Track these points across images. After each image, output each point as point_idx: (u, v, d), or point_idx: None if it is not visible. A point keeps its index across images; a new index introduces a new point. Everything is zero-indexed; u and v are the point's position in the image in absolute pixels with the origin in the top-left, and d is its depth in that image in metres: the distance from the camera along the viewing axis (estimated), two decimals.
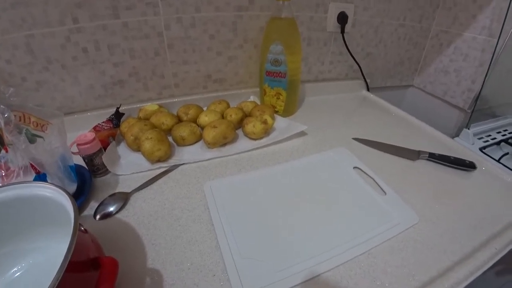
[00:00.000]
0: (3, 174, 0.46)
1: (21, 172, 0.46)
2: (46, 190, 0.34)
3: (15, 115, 0.41)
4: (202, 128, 0.65)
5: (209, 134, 0.59)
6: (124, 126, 0.62)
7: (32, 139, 0.43)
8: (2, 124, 0.38)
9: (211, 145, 0.61)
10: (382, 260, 0.40)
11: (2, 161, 0.47)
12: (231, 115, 0.67)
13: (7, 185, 0.35)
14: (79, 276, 0.28)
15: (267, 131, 0.66)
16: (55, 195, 0.34)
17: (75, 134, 0.53)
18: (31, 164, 0.46)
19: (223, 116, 0.68)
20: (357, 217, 0.46)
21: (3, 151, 0.47)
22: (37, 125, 0.44)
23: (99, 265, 0.30)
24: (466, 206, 0.50)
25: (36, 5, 0.55)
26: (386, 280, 0.37)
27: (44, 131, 0.45)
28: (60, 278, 0.24)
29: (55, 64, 0.62)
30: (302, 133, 0.68)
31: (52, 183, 0.35)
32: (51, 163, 0.41)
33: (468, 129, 0.83)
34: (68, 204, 0.32)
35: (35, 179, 0.47)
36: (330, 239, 0.42)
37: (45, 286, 0.23)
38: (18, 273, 0.37)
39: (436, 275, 0.38)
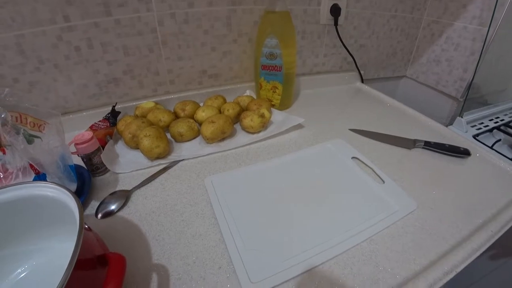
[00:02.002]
0: (1, 176, 0.46)
1: (20, 174, 0.46)
2: (48, 189, 0.34)
3: (11, 116, 0.40)
4: (200, 123, 0.65)
5: (207, 130, 0.59)
6: (121, 125, 0.62)
7: (29, 139, 0.43)
8: None
9: (209, 140, 0.61)
10: (383, 246, 0.41)
11: (0, 163, 0.46)
12: (228, 110, 0.67)
13: (9, 186, 0.34)
14: (87, 273, 0.28)
15: (264, 125, 0.66)
16: (58, 194, 0.34)
17: (71, 134, 0.52)
18: (30, 164, 0.45)
19: (220, 111, 0.68)
20: (358, 206, 0.47)
21: (0, 152, 0.46)
22: (34, 125, 0.44)
23: (107, 262, 0.30)
24: (462, 191, 0.51)
25: (26, 4, 0.54)
26: (388, 265, 0.38)
27: (41, 131, 0.44)
28: (69, 276, 0.24)
29: (47, 64, 0.61)
30: (299, 126, 0.69)
31: (53, 182, 0.34)
32: (51, 163, 0.41)
33: (461, 117, 0.84)
34: (71, 202, 0.32)
35: (35, 180, 0.46)
36: (332, 228, 0.43)
37: (52, 286, 0.23)
38: (22, 275, 0.37)
39: (436, 258, 0.39)
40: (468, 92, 0.89)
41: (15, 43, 0.56)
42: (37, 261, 0.38)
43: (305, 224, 0.44)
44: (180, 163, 0.57)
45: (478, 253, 0.40)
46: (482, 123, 0.88)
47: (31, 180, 0.47)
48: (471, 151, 0.60)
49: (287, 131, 0.66)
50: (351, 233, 0.42)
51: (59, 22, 0.58)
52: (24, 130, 0.42)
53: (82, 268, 0.27)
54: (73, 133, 0.53)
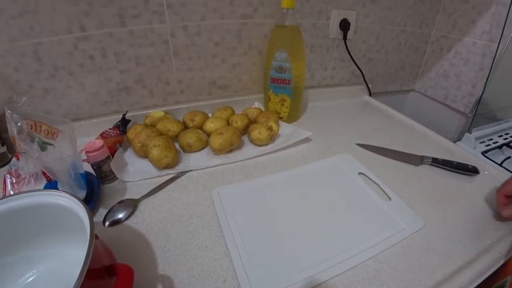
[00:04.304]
0: (14, 181, 0.47)
1: (32, 179, 0.47)
2: (60, 198, 0.35)
3: (27, 124, 0.41)
4: (208, 134, 0.66)
5: (215, 141, 0.60)
6: (131, 133, 0.63)
7: (43, 147, 0.44)
8: (15, 133, 0.39)
9: (217, 151, 0.61)
10: (388, 265, 0.40)
11: (13, 168, 0.47)
12: (236, 122, 0.68)
13: (21, 193, 0.35)
14: (95, 283, 0.29)
15: (272, 138, 0.66)
16: (70, 203, 0.34)
17: (82, 140, 0.53)
18: (43, 171, 0.46)
19: (228, 123, 0.69)
20: (363, 223, 0.47)
21: (14, 158, 0.47)
22: (48, 133, 0.45)
23: (115, 273, 0.30)
24: (470, 210, 0.51)
25: (44, 13, 0.56)
26: (393, 285, 0.38)
27: (54, 139, 0.45)
28: (80, 285, 0.24)
29: (62, 72, 0.63)
30: (306, 139, 0.69)
31: (66, 192, 0.35)
32: (63, 171, 0.42)
33: (470, 133, 0.84)
34: (82, 212, 0.33)
35: (46, 187, 0.47)
36: (338, 244, 0.43)
37: None
38: (30, 279, 0.38)
39: (442, 279, 0.39)
40: (477, 107, 0.88)
41: (32, 50, 0.58)
42: (44, 267, 0.39)
43: (310, 240, 0.44)
44: (188, 173, 0.58)
45: (486, 275, 0.40)
46: (491, 139, 0.87)
47: (43, 186, 0.48)
48: (480, 169, 0.59)
49: (295, 144, 0.67)
50: (356, 251, 0.42)
51: (75, 32, 0.60)
52: (38, 138, 0.43)
53: (91, 277, 0.27)
54: (84, 139, 0.54)
